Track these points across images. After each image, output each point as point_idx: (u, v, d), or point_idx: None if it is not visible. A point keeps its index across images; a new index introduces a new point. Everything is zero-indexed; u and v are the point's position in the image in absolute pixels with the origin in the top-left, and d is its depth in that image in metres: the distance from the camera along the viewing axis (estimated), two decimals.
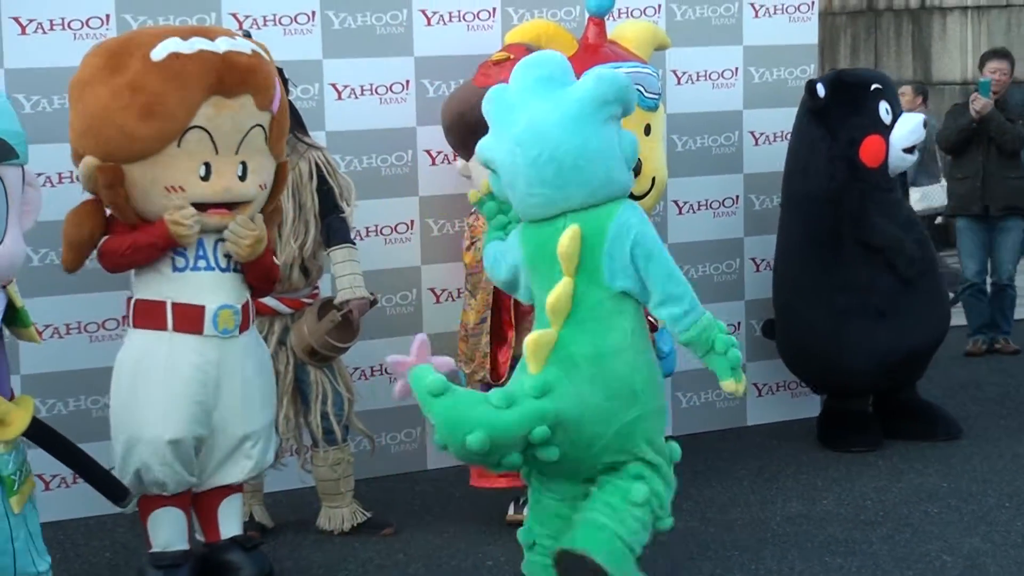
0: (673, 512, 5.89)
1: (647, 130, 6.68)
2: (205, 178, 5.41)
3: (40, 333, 5.33)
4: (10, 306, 4.78)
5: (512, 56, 6.47)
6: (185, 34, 5.34)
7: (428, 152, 7.28)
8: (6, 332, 4.85)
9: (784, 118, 7.91)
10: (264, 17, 6.89)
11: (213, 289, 5.52)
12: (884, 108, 7.63)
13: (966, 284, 10.15)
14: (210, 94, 5.31)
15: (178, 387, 5.44)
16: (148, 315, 5.50)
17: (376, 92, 7.18)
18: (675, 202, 7.91)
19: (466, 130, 6.48)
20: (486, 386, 6.34)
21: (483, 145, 5.38)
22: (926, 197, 9.20)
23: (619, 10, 7.43)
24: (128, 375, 5.50)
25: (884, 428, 7.81)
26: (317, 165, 6.27)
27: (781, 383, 8.35)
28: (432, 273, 7.35)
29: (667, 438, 5.43)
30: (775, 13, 8.15)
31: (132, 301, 5.57)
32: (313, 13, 7.01)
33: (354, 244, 6.30)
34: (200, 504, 5.70)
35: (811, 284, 7.64)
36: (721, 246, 8.11)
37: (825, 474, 7.25)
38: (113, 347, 6.42)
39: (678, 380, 7.69)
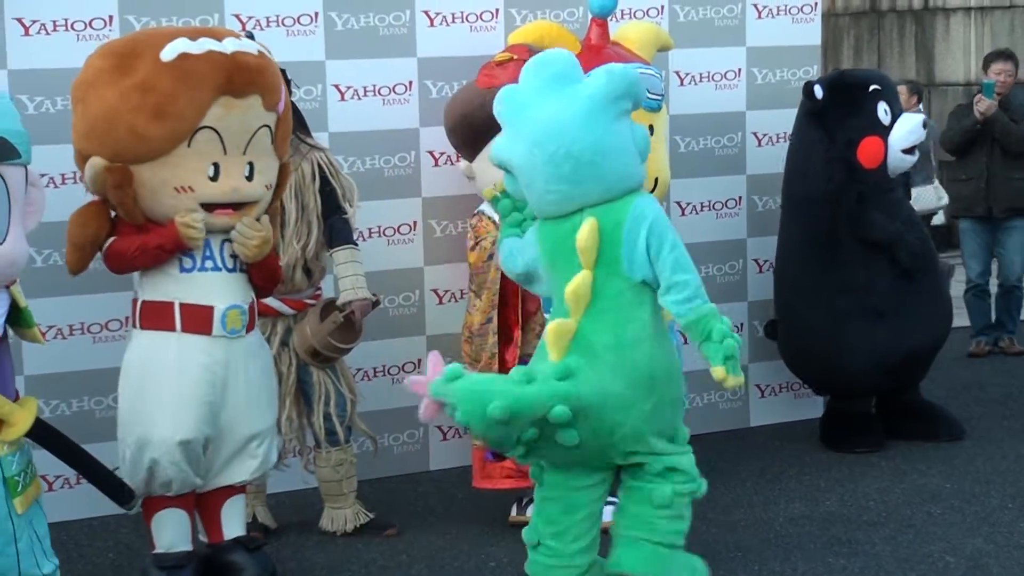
0: None
1: (650, 131, 6.67)
2: (214, 178, 5.42)
3: (43, 334, 5.33)
4: (14, 306, 4.79)
5: (515, 57, 6.48)
6: (193, 35, 5.36)
7: (431, 153, 7.28)
8: (10, 332, 4.85)
9: (787, 119, 7.91)
10: (267, 18, 6.90)
11: (221, 289, 5.53)
12: (883, 109, 7.62)
13: (970, 285, 10.15)
14: (220, 94, 5.32)
15: (188, 388, 5.44)
16: (156, 316, 5.51)
17: (379, 93, 7.18)
18: (678, 203, 7.91)
19: (469, 131, 6.49)
20: None
21: (498, 146, 5.40)
22: (918, 199, 9.21)
23: (622, 11, 7.43)
24: (136, 376, 5.50)
25: (887, 429, 7.81)
26: (320, 166, 6.27)
27: (784, 384, 8.35)
28: (435, 274, 7.35)
29: None
30: (778, 14, 8.15)
31: (139, 302, 5.57)
32: (316, 14, 7.01)
33: (356, 245, 6.31)
34: (203, 505, 5.70)
35: (811, 285, 7.65)
36: (724, 247, 8.11)
37: (828, 475, 7.25)
38: (116, 348, 6.44)
39: None
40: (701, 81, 7.96)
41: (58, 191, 6.25)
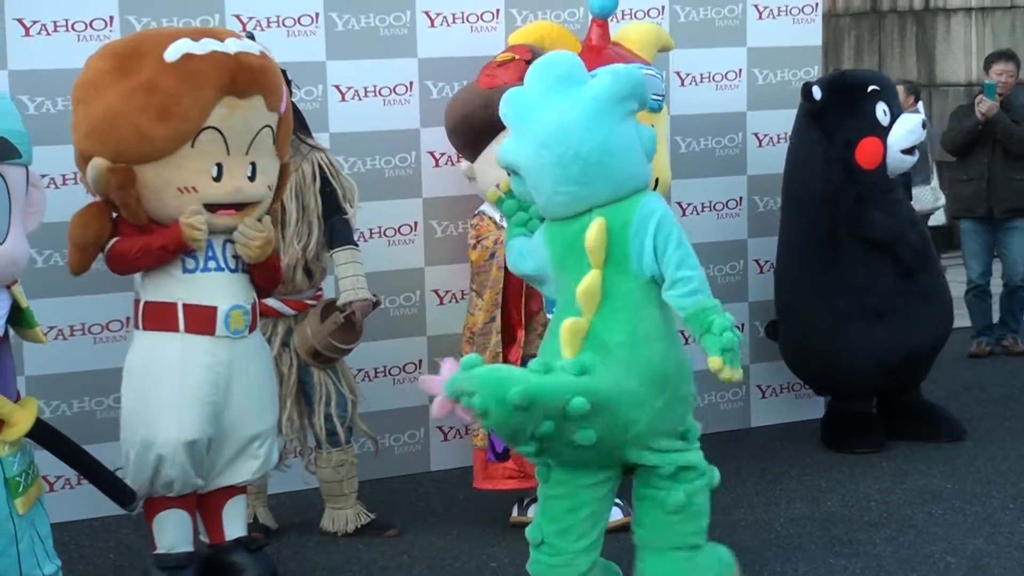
0: None
1: None
2: (217, 179, 5.42)
3: (44, 334, 5.33)
4: (16, 307, 4.79)
5: (517, 57, 6.47)
6: (195, 35, 5.36)
7: (431, 154, 7.28)
8: (11, 333, 4.85)
9: (788, 120, 7.91)
10: (268, 19, 6.90)
11: (224, 290, 5.53)
12: (882, 110, 7.62)
13: (971, 286, 10.15)
14: (223, 94, 5.33)
15: (192, 388, 5.45)
16: (158, 317, 5.50)
17: (380, 94, 7.18)
18: (679, 204, 7.91)
19: (470, 131, 6.49)
20: None
21: (504, 148, 5.41)
22: (916, 200, 9.23)
23: (623, 11, 7.43)
24: (140, 377, 5.50)
25: (888, 429, 7.81)
26: (320, 167, 6.27)
27: (785, 385, 8.35)
28: (436, 274, 7.35)
29: None
30: (779, 15, 8.15)
31: (141, 303, 5.57)
32: (317, 15, 7.01)
33: (357, 246, 6.31)
34: (204, 505, 5.70)
35: (810, 285, 7.65)
36: (725, 247, 8.11)
37: (829, 475, 7.25)
38: (117, 348, 6.44)
39: None
40: (702, 82, 7.96)
41: (59, 192, 6.25)
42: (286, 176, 5.82)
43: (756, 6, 8.07)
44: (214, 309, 5.50)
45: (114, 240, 5.48)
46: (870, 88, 7.68)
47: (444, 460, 7.47)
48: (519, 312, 6.45)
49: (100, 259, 5.55)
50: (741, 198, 8.17)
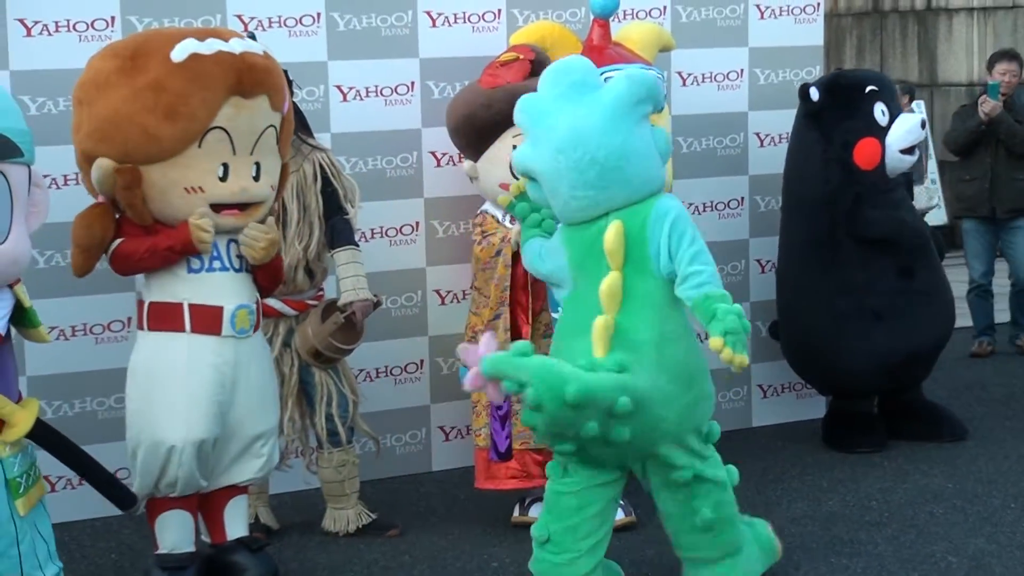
0: None
1: None
2: (223, 179, 5.43)
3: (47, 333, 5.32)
4: (19, 307, 4.79)
5: (520, 57, 6.48)
6: (200, 35, 5.36)
7: (433, 154, 7.28)
8: (13, 333, 4.85)
9: (789, 120, 7.90)
10: (269, 19, 6.90)
11: (229, 289, 5.54)
12: (880, 110, 7.61)
13: (972, 285, 10.15)
14: (230, 94, 5.34)
15: (199, 388, 5.45)
16: (164, 317, 5.50)
17: (381, 94, 7.18)
18: None
19: (473, 131, 6.49)
20: None
21: (520, 154, 5.45)
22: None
23: (624, 11, 7.43)
24: (146, 378, 5.49)
25: (889, 429, 7.81)
26: (321, 167, 6.27)
27: (786, 384, 8.35)
28: (437, 275, 7.35)
29: None
30: (780, 14, 8.15)
31: (145, 304, 5.56)
32: (318, 15, 7.02)
33: (358, 246, 6.31)
34: (206, 505, 5.71)
35: (811, 286, 7.65)
36: (726, 247, 8.10)
37: (830, 475, 7.25)
38: (119, 348, 6.45)
39: None
40: (703, 82, 7.96)
41: (60, 192, 6.25)
42: (285, 176, 5.83)
43: (758, 6, 8.07)
44: (220, 309, 5.50)
45: (119, 241, 5.47)
46: (868, 88, 7.67)
47: (445, 460, 7.47)
48: (525, 311, 6.44)
49: (102, 259, 5.55)
50: (743, 198, 8.18)
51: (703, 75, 7.97)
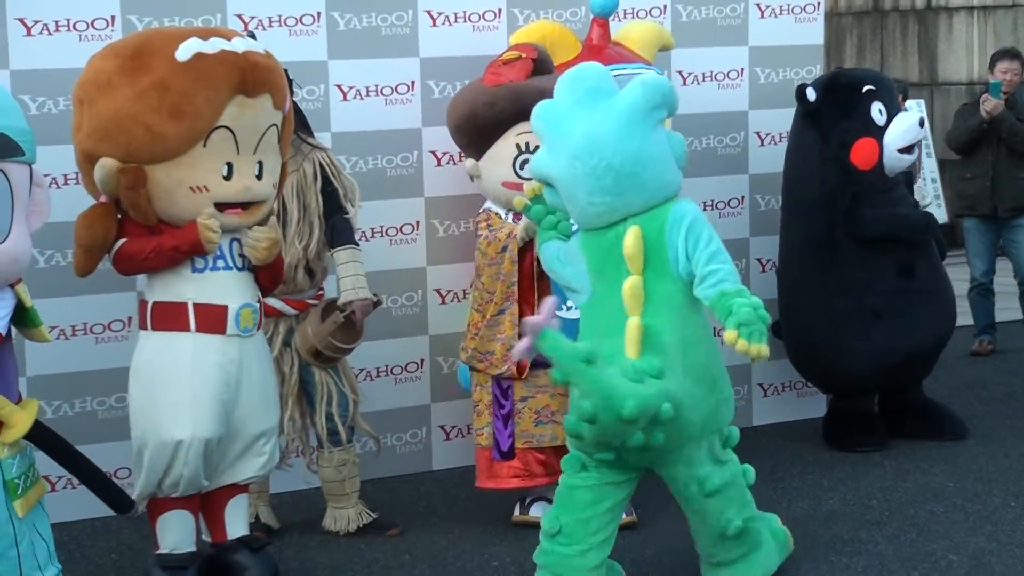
0: (676, 513, 5.91)
1: None
2: (227, 178, 5.43)
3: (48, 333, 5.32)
4: (20, 306, 4.79)
5: (523, 55, 6.48)
6: (203, 35, 5.36)
7: (433, 153, 7.28)
8: (14, 333, 4.85)
9: (789, 119, 7.89)
10: (269, 18, 6.90)
11: (233, 288, 5.54)
12: (877, 109, 7.61)
13: (973, 284, 10.15)
14: (235, 93, 5.34)
15: (204, 387, 5.44)
16: (168, 317, 5.50)
17: (381, 93, 7.18)
18: None
19: (475, 129, 6.48)
20: (505, 381, 6.34)
21: (538, 160, 5.52)
22: None
23: (624, 11, 7.44)
24: (150, 378, 5.48)
25: (890, 428, 7.81)
26: (321, 166, 6.28)
27: (787, 383, 8.35)
28: (437, 274, 7.35)
29: None
30: (781, 14, 8.15)
31: (149, 304, 5.54)
32: (318, 14, 7.02)
33: (358, 245, 6.31)
34: (207, 504, 5.70)
35: (810, 286, 7.66)
36: (727, 247, 7.91)
37: (831, 474, 7.25)
38: (119, 348, 6.45)
39: None
40: (704, 81, 7.96)
41: (60, 191, 6.24)
42: (284, 175, 5.83)
43: (758, 5, 8.07)
44: (225, 308, 5.50)
45: (122, 241, 5.46)
46: (865, 88, 7.66)
47: (446, 459, 7.47)
48: (532, 308, 6.41)
49: (104, 259, 5.54)
50: (743, 197, 8.18)
51: (703, 74, 7.97)
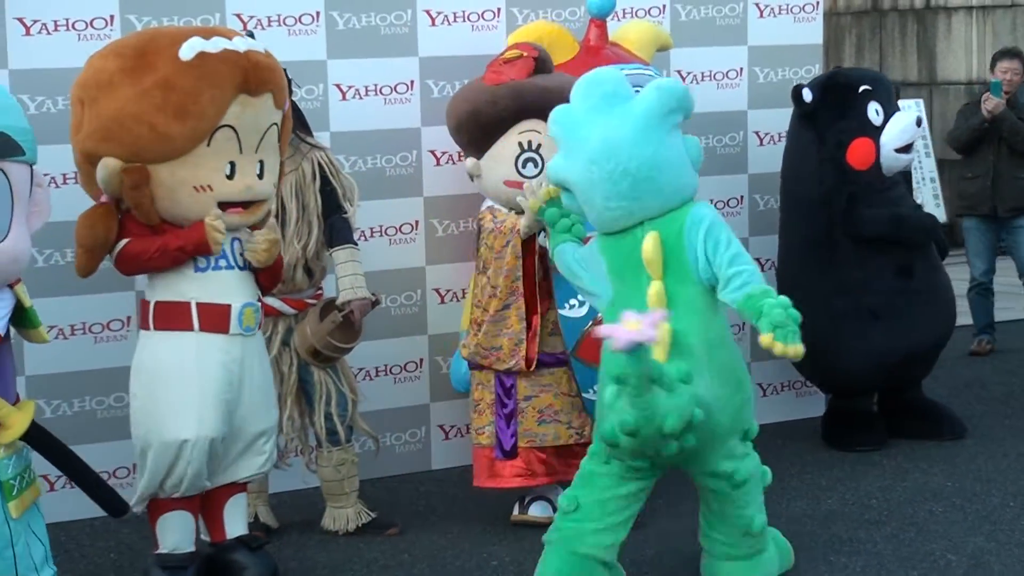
0: (676, 513, 5.92)
1: None
2: (230, 177, 5.43)
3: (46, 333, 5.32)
4: (19, 306, 4.79)
5: (524, 54, 6.47)
6: (205, 34, 5.36)
7: (432, 152, 7.28)
8: (12, 333, 4.85)
9: (788, 118, 7.89)
10: (268, 17, 6.90)
11: (235, 287, 5.55)
12: (874, 109, 7.61)
13: (973, 283, 10.15)
14: (238, 92, 5.34)
15: (208, 387, 5.45)
16: (171, 317, 5.49)
17: (380, 92, 7.18)
18: None
19: (477, 128, 6.47)
20: (509, 380, 6.34)
21: (554, 165, 5.54)
22: None
23: (624, 10, 7.44)
24: (153, 377, 5.47)
25: (889, 427, 7.81)
26: (320, 166, 6.28)
27: (786, 383, 8.35)
28: (437, 273, 7.35)
29: None
30: (780, 13, 8.16)
31: (151, 303, 5.54)
32: (317, 13, 7.01)
33: (356, 245, 6.31)
34: (206, 503, 5.70)
35: (809, 286, 7.64)
36: None
37: (830, 473, 7.25)
38: (118, 348, 6.45)
39: None
40: (703, 80, 7.96)
41: (59, 191, 6.23)
42: (281, 174, 5.83)
43: (757, 5, 8.07)
44: (228, 307, 5.50)
45: (125, 242, 5.45)
46: (862, 88, 7.67)
47: (445, 459, 7.47)
48: (534, 304, 6.39)
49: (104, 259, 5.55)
50: (742, 196, 8.18)
51: (702, 74, 7.97)
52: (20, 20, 6.47)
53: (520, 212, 6.23)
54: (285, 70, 5.72)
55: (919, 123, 7.71)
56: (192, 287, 5.48)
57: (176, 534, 5.59)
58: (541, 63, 6.49)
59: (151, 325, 5.53)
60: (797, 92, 7.60)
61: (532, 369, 6.33)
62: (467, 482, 6.75)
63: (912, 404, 7.92)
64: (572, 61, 6.87)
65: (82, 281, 5.77)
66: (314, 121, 6.60)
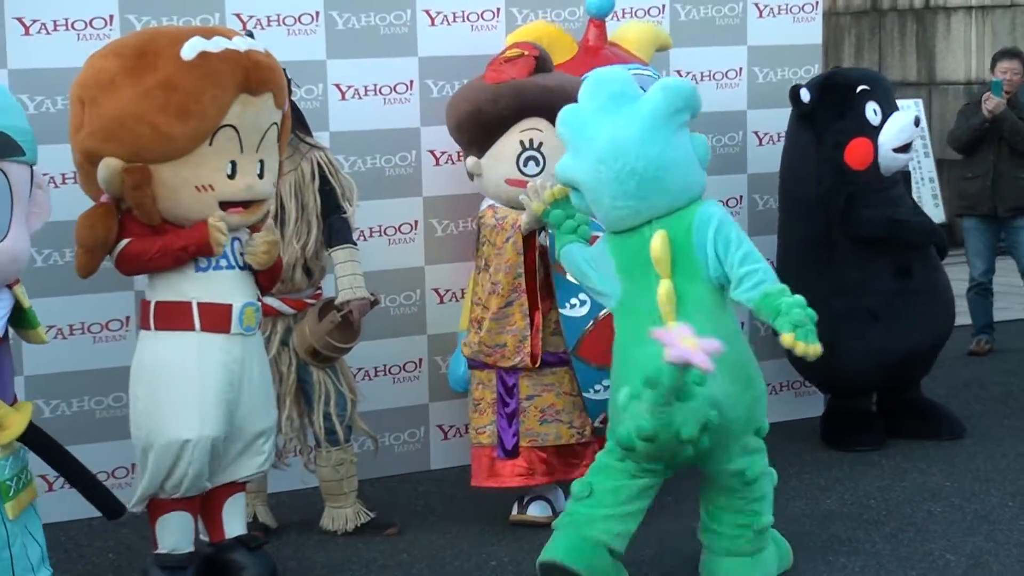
0: (676, 513, 5.92)
1: None
2: (231, 176, 5.43)
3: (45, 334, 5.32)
4: (18, 307, 4.78)
5: (525, 53, 6.48)
6: (206, 34, 5.36)
7: (432, 152, 7.28)
8: (11, 333, 4.84)
9: (787, 118, 7.90)
10: (268, 17, 6.90)
11: (236, 287, 5.55)
12: (872, 109, 7.61)
13: (972, 283, 10.16)
14: (239, 92, 5.34)
15: (210, 386, 5.44)
16: (172, 316, 5.49)
17: (380, 92, 7.18)
18: None
19: (478, 127, 6.47)
20: (511, 379, 6.33)
21: (563, 165, 5.57)
22: None
23: (623, 10, 7.44)
24: (154, 378, 5.47)
25: (888, 427, 7.81)
26: (319, 165, 6.28)
27: (785, 383, 8.35)
28: (436, 273, 7.35)
29: None
30: (779, 13, 8.16)
31: (152, 303, 5.54)
32: (317, 13, 7.01)
33: (355, 245, 6.31)
34: (205, 503, 5.70)
35: (807, 286, 7.55)
36: None
37: (828, 473, 7.25)
38: (117, 348, 6.45)
39: None
40: (702, 80, 7.96)
41: (59, 191, 6.22)
42: (280, 174, 5.84)
43: (756, 4, 8.07)
44: (229, 307, 5.51)
45: (126, 242, 5.45)
46: (860, 88, 7.67)
47: (444, 459, 7.47)
48: (536, 297, 6.38)
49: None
50: (741, 196, 8.18)
51: (702, 73, 7.97)
52: (19, 20, 6.47)
53: (521, 209, 6.23)
54: (284, 70, 5.72)
55: (917, 123, 7.71)
56: (193, 287, 5.48)
57: (175, 534, 5.58)
58: (542, 62, 6.49)
59: (152, 325, 5.52)
60: (795, 92, 7.61)
61: (537, 366, 6.32)
62: (466, 482, 6.75)
63: (911, 404, 7.93)
64: (571, 61, 6.88)
65: (81, 281, 5.76)
66: (313, 121, 6.60)
